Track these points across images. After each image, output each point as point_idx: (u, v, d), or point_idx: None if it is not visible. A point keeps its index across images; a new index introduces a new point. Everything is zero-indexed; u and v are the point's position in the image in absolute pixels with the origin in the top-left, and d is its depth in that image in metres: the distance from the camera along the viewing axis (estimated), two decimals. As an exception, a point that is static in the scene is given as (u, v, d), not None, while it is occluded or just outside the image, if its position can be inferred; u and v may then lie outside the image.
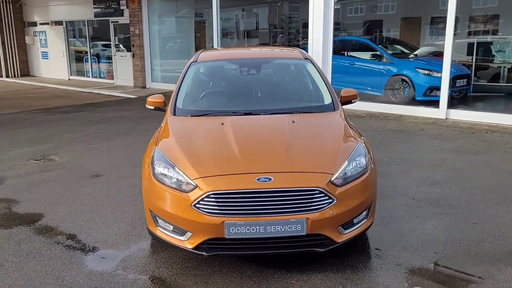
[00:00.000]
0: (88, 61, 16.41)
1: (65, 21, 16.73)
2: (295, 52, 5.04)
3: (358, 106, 9.79)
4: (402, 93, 10.50)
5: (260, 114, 3.95)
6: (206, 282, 3.17)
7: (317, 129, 3.76)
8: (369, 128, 8.09)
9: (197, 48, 13.26)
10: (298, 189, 3.05)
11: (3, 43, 17.87)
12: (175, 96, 4.26)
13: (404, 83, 10.37)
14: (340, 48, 11.64)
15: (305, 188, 3.05)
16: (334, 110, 4.10)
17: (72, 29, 16.97)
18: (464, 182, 5.18)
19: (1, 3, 17.66)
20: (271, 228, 3.01)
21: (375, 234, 3.87)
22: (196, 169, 3.18)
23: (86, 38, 16.26)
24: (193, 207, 3.06)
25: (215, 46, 12.24)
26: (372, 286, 3.11)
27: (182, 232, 3.17)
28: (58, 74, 17.37)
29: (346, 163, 3.29)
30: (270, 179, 3.05)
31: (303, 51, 5.09)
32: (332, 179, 3.15)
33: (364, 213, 3.41)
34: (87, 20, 15.92)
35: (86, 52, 16.38)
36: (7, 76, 18.05)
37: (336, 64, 10.94)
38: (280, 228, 3.02)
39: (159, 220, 3.30)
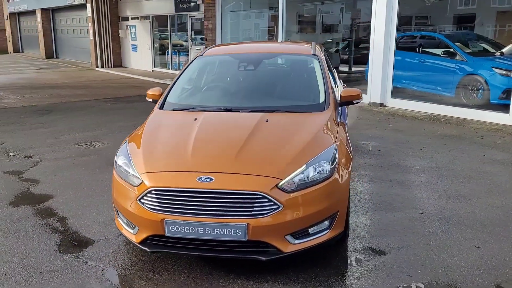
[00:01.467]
0: (169, 54, 17.23)
1: (151, 16, 17.72)
2: (305, 47, 4.78)
3: (419, 107, 9.11)
4: (475, 95, 9.49)
5: (239, 111, 3.81)
6: (151, 278, 3.16)
7: (287, 130, 3.52)
8: (420, 131, 7.45)
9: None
10: (239, 192, 2.89)
11: (100, 36, 19.46)
12: (167, 90, 4.28)
13: (478, 83, 9.38)
14: (410, 43, 10.86)
15: (246, 191, 2.89)
16: (323, 110, 3.81)
17: (157, 23, 17.90)
18: (493, 199, 4.54)
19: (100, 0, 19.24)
20: (210, 230, 2.91)
21: (350, 247, 3.56)
22: (145, 164, 3.17)
23: (168, 31, 17.07)
24: (138, 201, 3.06)
25: (279, 40, 12.13)
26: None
27: (132, 226, 3.19)
28: (144, 66, 18.51)
29: (302, 168, 3.05)
30: (211, 179, 2.94)
31: (317, 46, 4.81)
32: (280, 184, 2.94)
33: (325, 223, 3.14)
34: (169, 15, 16.69)
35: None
36: (102, 67, 19.64)
37: (403, 61, 10.24)
38: (220, 231, 2.90)
39: (119, 212, 3.35)
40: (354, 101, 4.18)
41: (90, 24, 19.44)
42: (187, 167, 3.07)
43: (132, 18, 19.00)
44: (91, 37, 19.53)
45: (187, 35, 15.99)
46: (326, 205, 3.08)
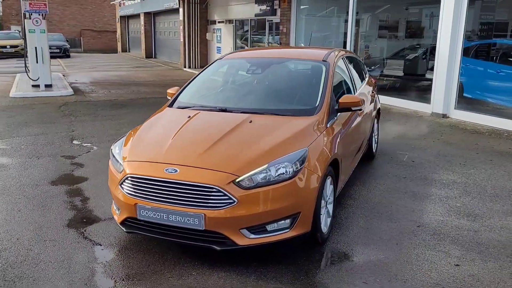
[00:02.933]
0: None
1: (235, 20, 18.48)
2: (319, 53, 4.85)
3: (484, 120, 8.50)
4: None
5: (232, 112, 4.04)
6: (128, 256, 3.53)
7: (265, 131, 3.68)
8: (471, 145, 7.02)
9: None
10: (197, 185, 3.15)
11: (189, 38, 20.74)
12: (181, 89, 4.66)
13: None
14: (486, 52, 10.14)
15: (204, 184, 3.13)
16: (311, 115, 3.90)
17: (240, 27, 18.61)
18: (508, 221, 4.24)
19: (191, 4, 20.51)
20: (172, 217, 3.20)
21: (322, 249, 3.61)
22: (129, 153, 3.56)
23: (248, 35, 17.68)
24: (119, 186, 3.46)
25: (348, 47, 12.02)
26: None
27: (117, 208, 3.60)
28: (226, 67, 19.32)
29: (263, 167, 3.21)
30: (176, 171, 3.23)
31: (334, 53, 4.85)
32: (237, 180, 3.14)
33: (286, 221, 3.27)
34: (250, 19, 17.29)
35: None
36: (189, 67, 20.88)
37: (477, 70, 9.63)
38: (180, 219, 3.18)
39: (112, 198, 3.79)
40: (353, 108, 4.19)
41: (181, 27, 20.80)
42: (160, 159, 3.39)
43: (218, 22, 19.96)
44: (181, 39, 20.87)
45: (265, 39, 16.43)
46: (284, 204, 3.21)
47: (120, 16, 34.71)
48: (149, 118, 4.28)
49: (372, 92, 5.83)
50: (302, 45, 14.49)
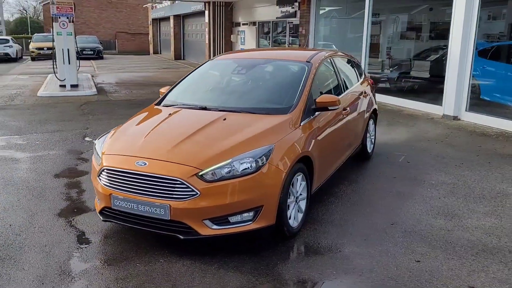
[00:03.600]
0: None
1: (258, 22, 18.70)
2: (305, 54, 4.98)
3: (496, 123, 8.37)
4: None
5: (211, 110, 4.23)
6: (106, 244, 3.78)
7: (236, 128, 3.85)
8: (474, 148, 6.94)
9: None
10: (163, 177, 3.36)
11: (214, 40, 21.13)
12: (170, 88, 4.89)
13: None
14: (504, 54, 9.93)
15: (169, 177, 3.34)
16: (285, 114, 4.04)
17: (262, 29, 18.82)
18: (486, 221, 4.25)
19: (217, 7, 20.89)
20: (141, 207, 3.42)
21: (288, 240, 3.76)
22: (108, 147, 3.81)
23: (269, 37, 17.86)
24: (97, 178, 3.71)
25: (363, 50, 12.01)
26: None
27: (98, 199, 3.86)
28: (249, 69, 19.57)
29: (227, 161, 3.38)
30: (145, 164, 3.45)
31: (320, 54, 4.97)
32: (200, 173, 3.32)
33: (249, 214, 3.43)
34: (272, 21, 17.47)
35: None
36: (214, 68, 21.25)
37: (493, 72, 9.45)
38: (148, 209, 3.40)
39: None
40: (329, 107, 4.30)
41: (207, 29, 21.21)
42: (133, 153, 3.62)
43: (243, 24, 20.24)
44: (207, 41, 21.28)
45: (287, 41, 16.56)
46: (246, 197, 3.37)
47: (152, 19, 35.61)
48: (135, 115, 4.53)
49: (365, 93, 5.89)
50: (321, 46, 14.55)
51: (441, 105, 9.43)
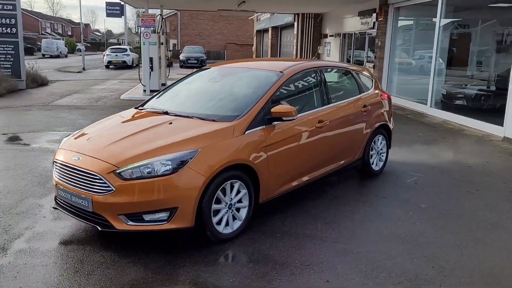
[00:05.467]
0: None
1: (342, 33, 18.43)
2: (281, 65, 4.94)
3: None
4: None
5: (167, 114, 4.45)
6: (60, 225, 4.21)
7: (173, 132, 4.00)
8: (509, 176, 6.17)
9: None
10: (87, 171, 3.67)
11: (301, 51, 21.30)
12: (155, 94, 5.22)
13: None
14: None
15: (91, 171, 3.64)
16: (230, 121, 4.09)
17: (346, 41, 18.49)
18: (444, 240, 3.84)
19: (306, 18, 21.06)
20: (73, 198, 3.78)
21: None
22: (65, 142, 4.25)
23: (352, 48, 17.49)
24: (53, 169, 4.17)
25: (432, 63, 11.23)
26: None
27: (55, 187, 4.31)
28: (332, 81, 19.36)
29: (144, 162, 3.57)
30: (78, 159, 3.80)
31: (299, 65, 4.92)
32: (118, 171, 3.56)
33: (164, 214, 3.58)
34: (354, 33, 17.10)
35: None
36: (300, 79, 21.38)
37: None
38: (77, 200, 3.74)
39: None
40: (284, 118, 4.24)
41: (294, 40, 21.46)
42: (76, 148, 3.99)
43: (330, 36, 20.10)
44: (294, 52, 21.52)
45: (366, 53, 16.09)
46: (160, 197, 3.53)
47: (256, 31, 36.91)
48: (110, 116, 4.95)
49: (367, 107, 5.60)
50: (397, 59, 13.91)
51: (502, 126, 8.46)
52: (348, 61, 18.17)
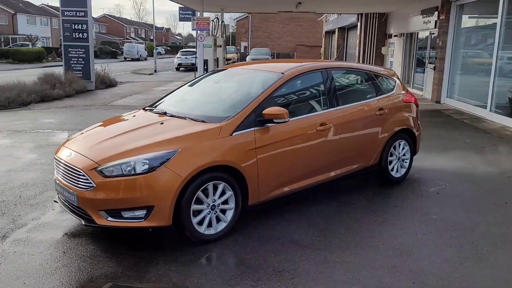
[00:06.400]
0: (412, 71, 16.79)
1: (405, 33, 17.61)
2: (285, 66, 4.83)
3: None
4: None
5: (165, 114, 4.53)
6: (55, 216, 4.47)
7: (160, 131, 4.06)
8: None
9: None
10: (73, 167, 3.86)
11: (364, 53, 20.68)
12: (165, 95, 5.35)
13: None
14: None
15: (76, 168, 3.83)
16: (218, 123, 4.08)
17: (409, 40, 17.63)
18: (437, 257, 3.54)
19: (369, 18, 20.41)
20: (65, 192, 3.99)
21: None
22: (68, 138, 4.49)
23: (414, 48, 16.65)
24: (56, 165, 4.44)
25: (493, 61, 10.37)
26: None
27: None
28: (394, 83, 18.57)
29: (124, 160, 3.69)
30: (70, 155, 4.01)
31: (303, 66, 4.79)
32: (99, 168, 3.71)
33: (142, 212, 3.67)
34: (416, 32, 16.26)
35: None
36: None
37: None
38: (67, 194, 3.95)
39: None
40: (275, 120, 4.16)
41: (357, 41, 20.88)
42: (71, 145, 4.20)
43: (394, 36, 19.30)
44: (356, 54, 20.96)
45: (428, 53, 15.24)
46: (136, 196, 3.62)
47: (325, 32, 36.46)
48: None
49: (383, 110, 5.31)
50: (459, 59, 13.03)
51: None
52: (409, 62, 17.33)
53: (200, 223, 3.91)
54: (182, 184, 3.69)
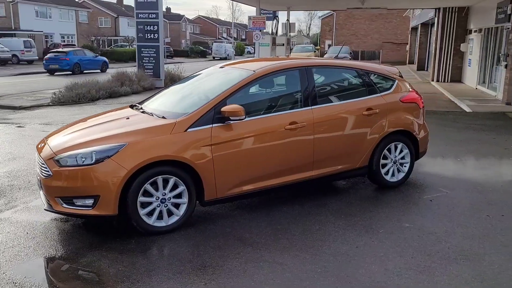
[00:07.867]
0: (491, 70, 15.37)
1: (484, 29, 16.17)
2: (257, 65, 4.79)
3: None
4: None
5: (145, 112, 4.69)
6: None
7: (120, 126, 4.28)
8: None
9: None
10: (39, 156, 4.23)
11: (441, 50, 19.34)
12: (158, 92, 5.56)
13: None
14: None
15: (40, 156, 4.20)
16: (174, 118, 4.19)
17: (487, 36, 16.15)
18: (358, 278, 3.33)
19: (448, 13, 19.04)
20: (38, 180, 4.39)
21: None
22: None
23: (493, 45, 15.22)
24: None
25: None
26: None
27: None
28: (471, 82, 17.19)
29: (76, 151, 3.96)
30: (43, 145, 4.38)
31: (277, 63, 4.71)
32: (56, 158, 4.02)
33: (90, 200, 3.92)
34: (492, 27, 14.86)
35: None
36: (437, 80, 19.46)
37: None
38: (38, 182, 4.33)
39: None
40: (232, 118, 4.16)
41: (434, 38, 19.61)
42: (48, 137, 4.57)
43: (474, 31, 17.83)
44: (433, 51, 19.69)
45: (505, 50, 13.85)
46: (83, 185, 3.89)
47: (411, 28, 34.67)
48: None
49: (369, 110, 5.00)
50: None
51: None
52: (485, 60, 15.88)
53: (149, 214, 4.05)
54: (127, 176, 3.87)
